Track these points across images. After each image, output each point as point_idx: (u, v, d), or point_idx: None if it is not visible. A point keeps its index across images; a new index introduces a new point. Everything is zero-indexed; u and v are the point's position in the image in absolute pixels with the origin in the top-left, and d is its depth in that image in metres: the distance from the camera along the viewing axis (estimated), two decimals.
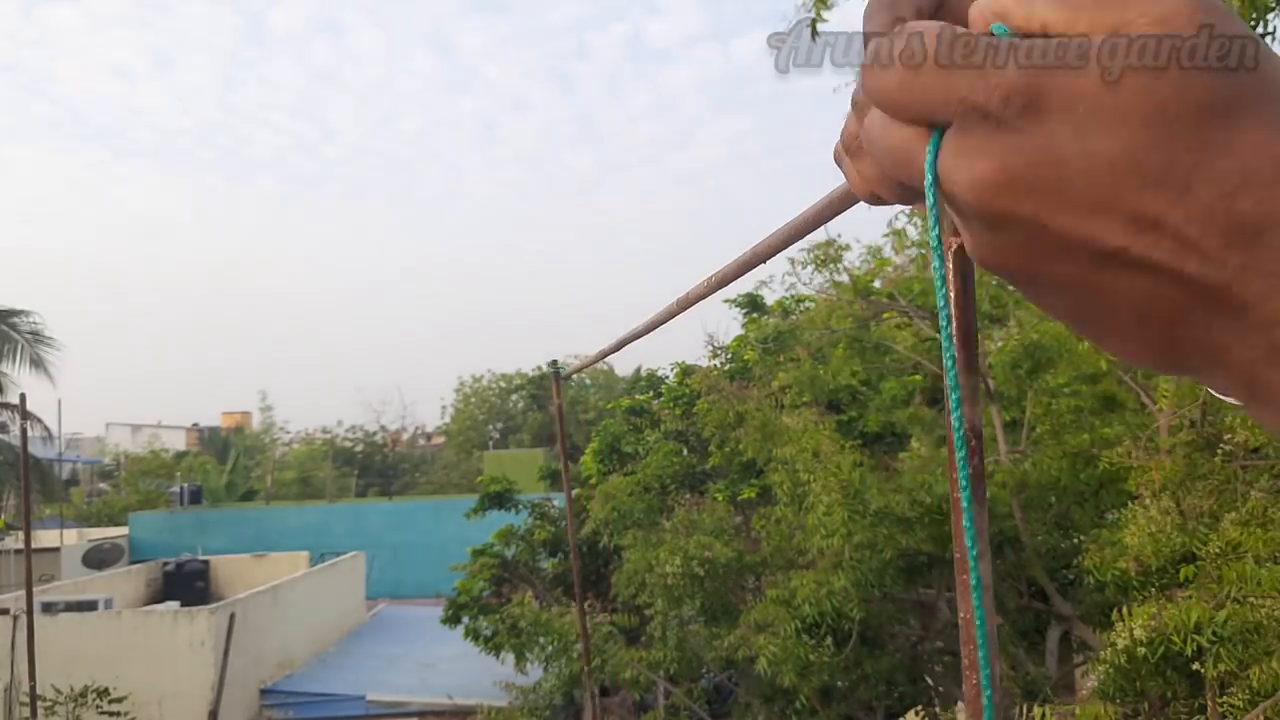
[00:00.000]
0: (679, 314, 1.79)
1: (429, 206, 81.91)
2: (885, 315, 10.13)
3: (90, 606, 15.13)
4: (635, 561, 9.75)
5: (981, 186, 0.35)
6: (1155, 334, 0.36)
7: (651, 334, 2.42)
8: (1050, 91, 0.34)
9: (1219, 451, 5.94)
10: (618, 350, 2.44)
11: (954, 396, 0.48)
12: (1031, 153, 0.34)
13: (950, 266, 0.42)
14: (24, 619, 7.58)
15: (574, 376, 41.79)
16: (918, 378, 10.19)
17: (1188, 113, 0.33)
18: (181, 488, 30.38)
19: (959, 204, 0.37)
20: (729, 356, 12.56)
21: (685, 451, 12.46)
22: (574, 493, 14.53)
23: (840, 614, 7.69)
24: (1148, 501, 5.85)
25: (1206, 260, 0.33)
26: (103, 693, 11.57)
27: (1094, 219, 0.34)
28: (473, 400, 45.66)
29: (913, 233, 9.56)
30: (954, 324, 0.44)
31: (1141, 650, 5.10)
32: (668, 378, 14.73)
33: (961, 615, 0.43)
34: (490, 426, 44.72)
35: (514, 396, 44.30)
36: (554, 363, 4.87)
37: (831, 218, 0.90)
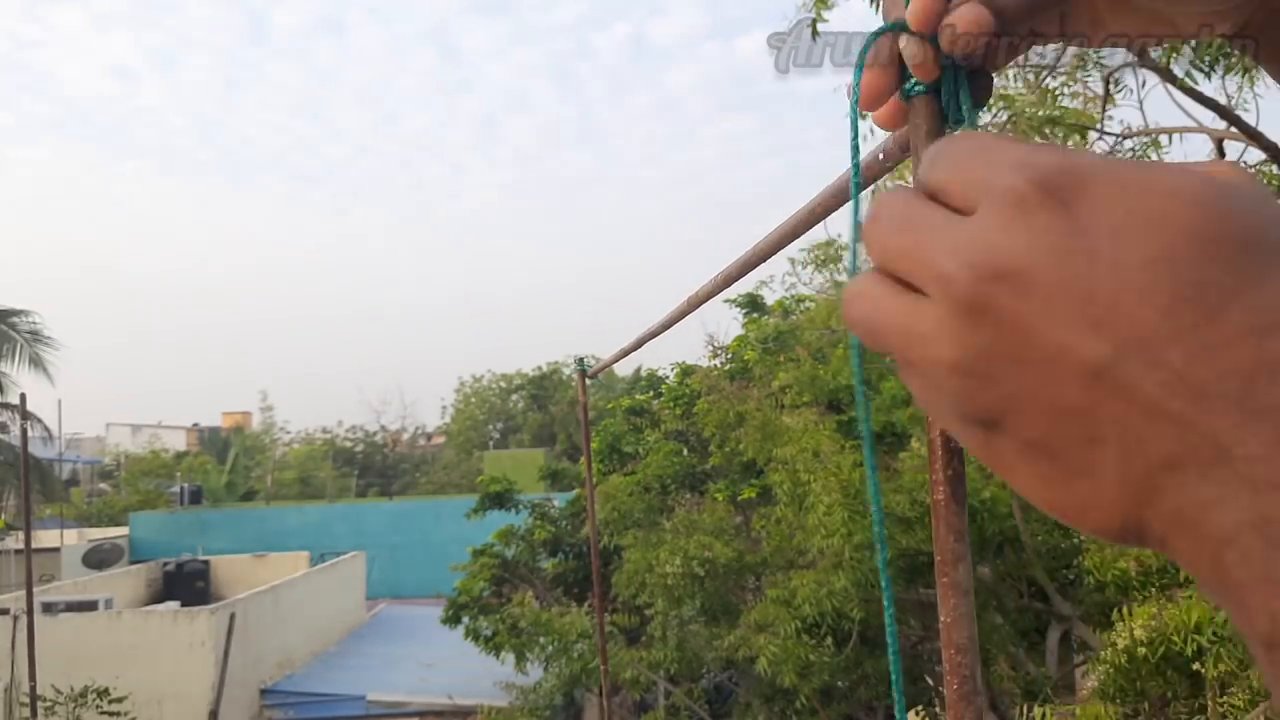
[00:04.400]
0: (690, 313, 1.86)
1: (429, 206, 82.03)
2: None
3: (90, 606, 15.13)
4: (635, 561, 9.75)
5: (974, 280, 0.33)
6: (1135, 475, 0.31)
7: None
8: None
9: None
10: (638, 348, 2.50)
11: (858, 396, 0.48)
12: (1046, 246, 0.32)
13: None
14: (24, 619, 7.58)
15: (573, 377, 41.83)
16: None
17: (1229, 239, 0.30)
18: (181, 488, 30.36)
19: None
20: (729, 356, 12.54)
21: (685, 451, 12.45)
22: (575, 493, 14.57)
23: (840, 614, 7.69)
24: None
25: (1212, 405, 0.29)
26: (103, 693, 11.57)
27: (1093, 332, 0.31)
28: (473, 400, 45.66)
29: None
30: None
31: (1142, 650, 5.10)
32: (668, 378, 14.73)
33: (942, 619, 0.43)
34: (490, 426, 44.71)
35: (514, 396, 44.28)
36: (580, 360, 4.87)
37: (825, 216, 0.91)
